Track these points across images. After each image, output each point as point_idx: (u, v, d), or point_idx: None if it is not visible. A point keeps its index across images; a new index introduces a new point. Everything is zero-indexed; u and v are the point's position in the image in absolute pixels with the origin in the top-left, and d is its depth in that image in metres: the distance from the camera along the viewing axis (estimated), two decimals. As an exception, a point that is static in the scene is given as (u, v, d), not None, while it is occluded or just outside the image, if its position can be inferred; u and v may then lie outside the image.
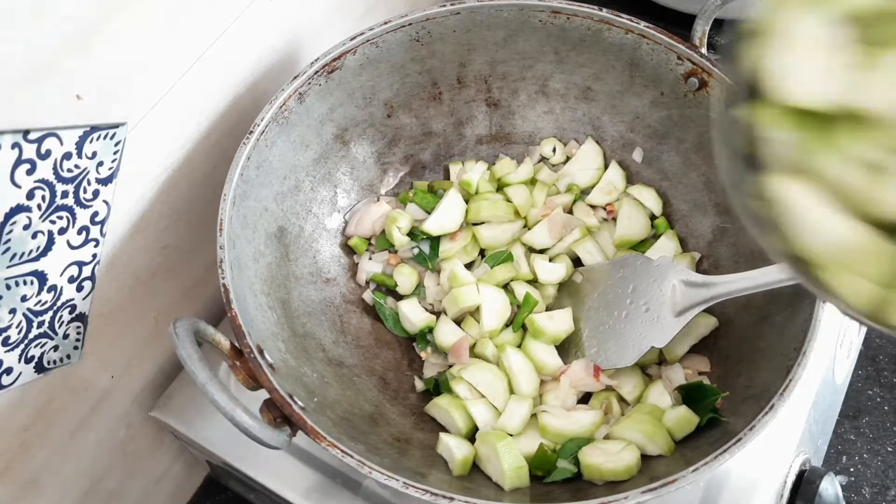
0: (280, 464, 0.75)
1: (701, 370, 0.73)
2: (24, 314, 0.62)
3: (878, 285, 0.36)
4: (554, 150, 0.87)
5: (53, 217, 0.61)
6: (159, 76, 0.67)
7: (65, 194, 0.61)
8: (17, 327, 0.62)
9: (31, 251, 0.60)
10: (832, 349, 0.83)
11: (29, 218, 0.59)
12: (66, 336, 0.68)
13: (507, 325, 0.77)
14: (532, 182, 0.85)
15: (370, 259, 0.83)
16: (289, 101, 0.74)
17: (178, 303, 0.82)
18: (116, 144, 0.65)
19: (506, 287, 0.79)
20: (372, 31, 0.77)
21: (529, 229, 0.82)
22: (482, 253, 0.82)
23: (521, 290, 0.78)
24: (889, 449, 1.19)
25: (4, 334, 0.61)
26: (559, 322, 0.75)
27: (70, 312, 0.67)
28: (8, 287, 0.60)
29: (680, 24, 0.98)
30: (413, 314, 0.78)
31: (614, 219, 0.82)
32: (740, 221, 0.41)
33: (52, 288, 0.64)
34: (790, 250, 0.38)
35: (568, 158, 0.87)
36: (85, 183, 0.63)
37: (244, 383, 0.61)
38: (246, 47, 0.76)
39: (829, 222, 0.36)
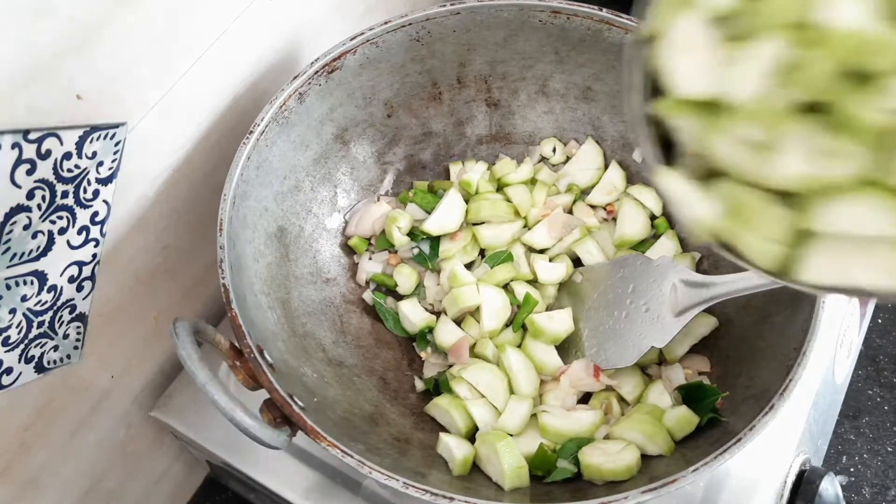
0: (280, 464, 0.75)
1: (701, 370, 0.73)
2: (24, 314, 0.62)
3: (779, 245, 0.41)
4: (554, 150, 0.87)
5: (53, 217, 0.61)
6: (159, 76, 0.67)
7: (65, 194, 0.61)
8: (17, 327, 0.62)
9: (31, 251, 0.60)
10: (832, 349, 0.83)
11: (29, 218, 0.59)
12: (66, 336, 0.68)
13: (507, 325, 0.77)
14: (532, 182, 0.85)
15: (370, 259, 0.83)
16: (289, 101, 0.74)
17: (178, 303, 0.82)
18: (116, 144, 0.65)
19: (506, 287, 0.79)
20: (372, 31, 0.77)
21: (529, 229, 0.82)
22: (482, 253, 0.82)
23: (521, 290, 0.78)
24: (889, 449, 1.19)
25: (4, 334, 0.61)
26: (559, 322, 0.75)
27: (70, 312, 0.67)
28: (8, 287, 0.60)
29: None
30: (413, 314, 0.78)
31: (614, 219, 0.82)
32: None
33: (52, 288, 0.64)
34: (709, 218, 0.44)
35: (568, 158, 0.87)
36: (85, 183, 0.63)
37: (244, 383, 0.61)
38: (246, 47, 0.76)
39: (726, 190, 0.43)
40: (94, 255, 0.67)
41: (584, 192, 0.84)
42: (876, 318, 1.31)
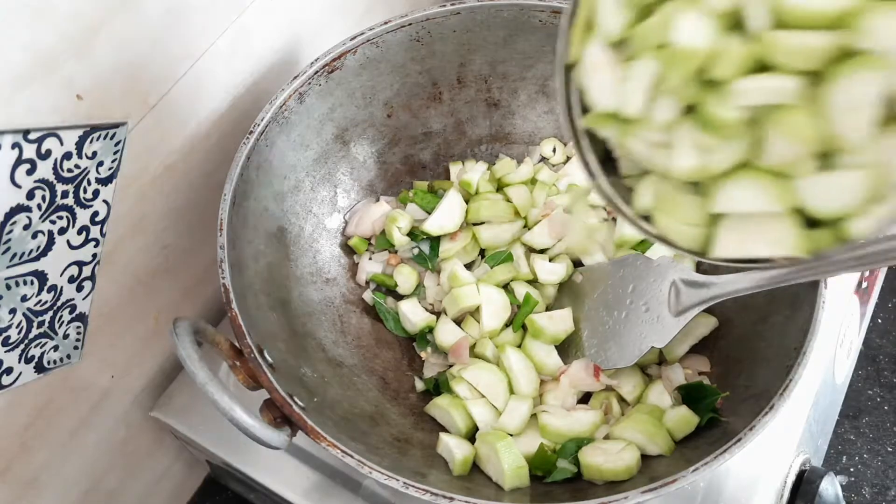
0: (280, 464, 0.75)
1: (701, 370, 0.73)
2: (24, 314, 0.62)
3: (696, 226, 0.48)
4: (554, 150, 0.87)
5: (53, 217, 0.61)
6: (159, 76, 0.67)
7: (65, 194, 0.61)
8: (17, 327, 0.62)
9: (31, 251, 0.60)
10: (832, 349, 0.83)
11: (29, 218, 0.59)
12: (66, 336, 0.68)
13: (507, 325, 0.77)
14: (532, 182, 0.85)
15: (370, 259, 0.83)
16: (289, 101, 0.74)
17: (178, 303, 0.82)
18: (116, 144, 0.65)
19: (506, 287, 0.79)
20: (372, 31, 0.77)
21: (529, 229, 0.82)
22: (482, 253, 0.82)
23: (521, 290, 0.78)
24: (889, 449, 1.19)
25: (4, 334, 0.61)
26: (559, 322, 0.75)
27: (70, 312, 0.67)
28: (8, 287, 0.60)
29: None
30: (413, 314, 0.78)
31: (614, 219, 0.82)
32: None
33: (52, 288, 0.64)
34: (638, 212, 0.52)
35: (568, 158, 0.87)
36: (85, 183, 0.63)
37: (244, 383, 0.61)
38: (246, 47, 0.76)
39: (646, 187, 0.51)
40: (94, 255, 0.67)
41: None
42: (876, 318, 1.31)
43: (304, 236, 0.79)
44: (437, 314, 0.79)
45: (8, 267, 0.59)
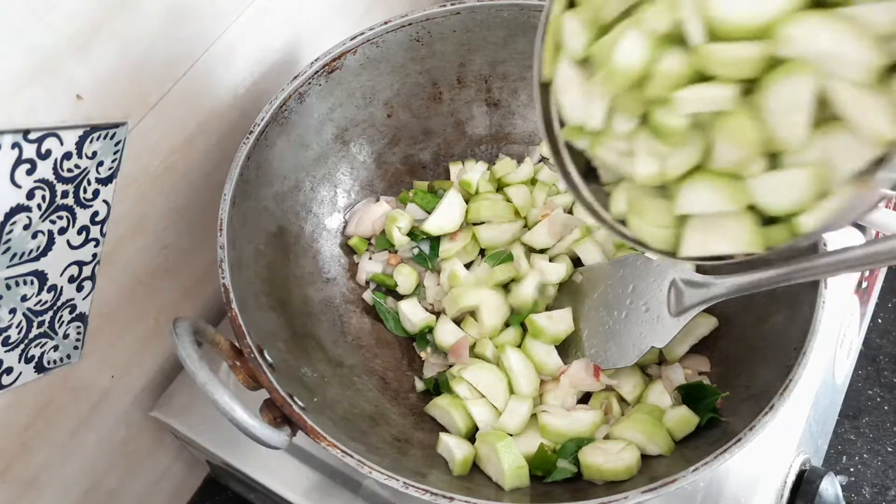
0: (280, 464, 0.75)
1: (701, 370, 0.73)
2: (24, 314, 0.62)
3: (665, 228, 0.51)
4: (554, 150, 0.87)
5: (53, 217, 0.61)
6: (159, 76, 0.67)
7: (65, 194, 0.61)
8: (17, 327, 0.62)
9: (31, 251, 0.60)
10: (832, 349, 0.83)
11: (29, 218, 0.59)
12: (66, 336, 0.68)
13: (507, 326, 0.77)
14: (532, 182, 0.85)
15: (370, 259, 0.83)
16: (289, 101, 0.74)
17: (178, 303, 0.82)
18: (116, 144, 0.65)
19: (506, 287, 0.79)
20: (372, 31, 0.77)
21: (529, 229, 0.82)
22: (482, 253, 0.82)
23: (526, 289, 0.78)
24: (889, 449, 1.19)
25: (4, 334, 0.61)
26: (559, 322, 0.75)
27: (70, 312, 0.67)
28: (8, 287, 0.60)
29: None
30: (413, 314, 0.78)
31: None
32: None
33: (52, 288, 0.64)
34: (615, 216, 0.55)
35: (568, 158, 0.87)
36: (85, 183, 0.63)
37: (244, 383, 0.61)
38: (246, 47, 0.76)
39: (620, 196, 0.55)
40: (94, 255, 0.67)
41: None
42: (876, 318, 1.31)
43: (304, 236, 0.79)
44: (437, 314, 0.79)
45: (8, 267, 0.59)
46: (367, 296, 0.81)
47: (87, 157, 0.62)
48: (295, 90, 0.74)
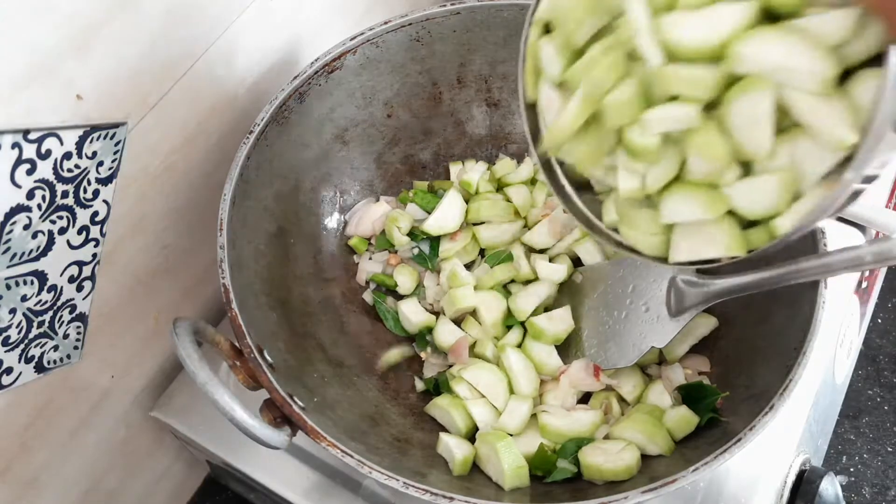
0: (280, 464, 0.75)
1: (701, 370, 0.73)
2: (24, 314, 0.62)
3: (655, 235, 0.53)
4: (554, 150, 0.87)
5: (53, 217, 0.61)
6: (159, 76, 0.67)
7: (65, 194, 0.61)
8: (17, 327, 0.62)
9: (31, 251, 0.60)
10: (832, 349, 0.83)
11: (29, 218, 0.59)
12: (66, 336, 0.68)
13: (508, 327, 0.76)
14: (532, 182, 0.85)
15: (370, 259, 0.83)
16: (289, 101, 0.74)
17: (178, 303, 0.82)
18: (116, 144, 0.65)
19: (506, 287, 0.79)
20: (372, 31, 0.77)
21: (529, 229, 0.82)
22: (482, 253, 0.82)
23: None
24: (889, 449, 1.19)
25: (4, 334, 0.61)
26: (559, 322, 0.75)
27: (70, 312, 0.67)
28: (8, 287, 0.60)
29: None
30: (413, 314, 0.78)
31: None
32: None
33: (52, 288, 0.64)
34: (609, 225, 0.58)
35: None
36: (85, 183, 0.63)
37: (244, 383, 0.61)
38: (246, 47, 0.76)
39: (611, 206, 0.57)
40: (94, 255, 0.67)
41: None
42: (876, 318, 1.31)
43: (304, 236, 0.79)
44: (437, 314, 0.79)
45: (8, 267, 0.59)
46: (367, 296, 0.81)
47: (87, 157, 0.62)
48: (295, 90, 0.74)
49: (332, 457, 0.58)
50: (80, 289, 0.67)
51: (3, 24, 0.52)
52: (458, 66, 0.83)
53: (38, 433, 0.69)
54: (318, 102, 0.77)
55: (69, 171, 0.61)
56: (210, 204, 0.76)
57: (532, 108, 0.58)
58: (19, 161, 0.56)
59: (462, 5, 0.78)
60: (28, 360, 0.64)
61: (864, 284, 0.95)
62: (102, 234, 0.67)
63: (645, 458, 0.65)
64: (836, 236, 0.85)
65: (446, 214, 0.81)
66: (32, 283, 0.62)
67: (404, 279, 0.81)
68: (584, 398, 0.74)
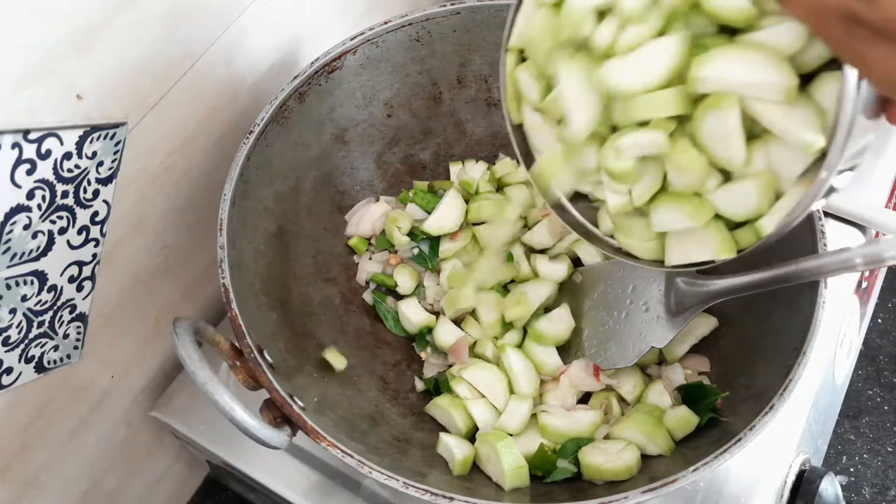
0: (280, 464, 0.75)
1: (701, 370, 0.73)
2: (24, 314, 0.62)
3: (650, 241, 0.55)
4: (554, 150, 0.87)
5: (53, 217, 0.61)
6: (159, 76, 0.67)
7: (65, 194, 0.61)
8: (17, 327, 0.62)
9: (31, 251, 0.60)
10: (832, 349, 0.83)
11: (29, 218, 0.59)
12: (66, 336, 0.68)
13: (509, 327, 0.76)
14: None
15: (370, 259, 0.83)
16: (289, 101, 0.74)
17: (178, 303, 0.82)
18: (116, 144, 0.65)
19: (505, 287, 0.79)
20: (372, 31, 0.77)
21: (529, 229, 0.82)
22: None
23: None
24: (889, 449, 1.19)
25: (4, 334, 0.61)
26: (559, 323, 0.75)
27: (70, 312, 0.67)
28: (8, 287, 0.60)
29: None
30: (412, 314, 0.78)
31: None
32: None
33: (53, 288, 0.64)
34: (606, 232, 0.60)
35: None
36: (85, 183, 0.63)
37: (244, 383, 0.61)
38: (246, 47, 0.76)
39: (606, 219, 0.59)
40: (94, 255, 0.67)
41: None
42: (876, 318, 1.31)
43: (304, 236, 0.79)
44: (437, 314, 0.79)
45: (8, 267, 0.59)
46: (367, 296, 0.81)
47: (87, 157, 0.62)
48: (295, 90, 0.74)
49: (332, 457, 0.58)
50: (80, 289, 0.67)
51: (3, 24, 0.52)
52: (458, 66, 0.83)
53: (38, 433, 0.69)
54: (318, 102, 0.77)
55: (69, 171, 0.61)
56: (210, 204, 0.76)
57: (519, 128, 0.60)
58: (19, 161, 0.56)
59: (462, 5, 0.78)
60: (28, 360, 0.64)
61: (864, 284, 0.95)
62: (102, 234, 0.67)
63: (645, 458, 0.65)
64: (837, 236, 0.85)
65: (446, 214, 0.81)
66: (32, 283, 0.62)
67: (404, 279, 0.81)
68: (584, 398, 0.74)
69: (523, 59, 0.57)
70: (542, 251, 0.81)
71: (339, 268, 0.82)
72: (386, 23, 0.77)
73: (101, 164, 0.64)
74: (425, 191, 0.85)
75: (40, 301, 0.63)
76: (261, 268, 0.71)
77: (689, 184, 0.50)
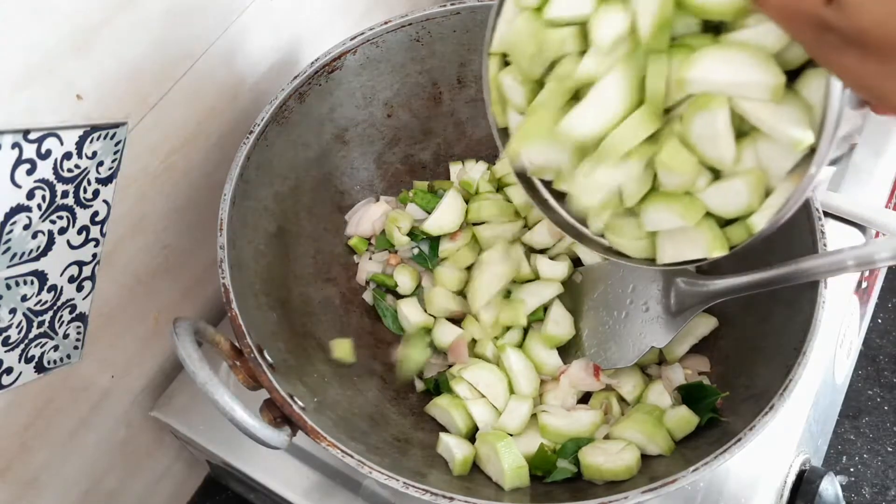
0: (280, 464, 0.75)
1: (701, 370, 0.73)
2: (24, 314, 0.62)
3: (641, 240, 0.55)
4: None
5: (53, 217, 0.61)
6: (159, 76, 0.67)
7: (65, 194, 0.61)
8: (17, 327, 0.62)
9: (31, 251, 0.60)
10: (832, 349, 0.83)
11: (29, 218, 0.59)
12: (66, 336, 0.68)
13: (508, 328, 0.76)
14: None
15: (370, 259, 0.83)
16: (289, 101, 0.74)
17: (178, 303, 0.82)
18: (116, 144, 0.65)
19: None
20: (372, 31, 0.77)
21: (529, 229, 0.82)
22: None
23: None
24: (889, 449, 1.19)
25: (4, 334, 0.61)
26: (559, 325, 0.75)
27: (70, 312, 0.67)
28: (8, 287, 0.60)
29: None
30: (412, 314, 0.78)
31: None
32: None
33: (53, 288, 0.64)
34: (596, 232, 0.60)
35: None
36: (85, 183, 0.63)
37: (244, 383, 0.61)
38: (246, 47, 0.76)
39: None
40: (94, 255, 0.67)
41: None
42: (876, 318, 1.31)
43: (304, 236, 0.79)
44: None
45: (8, 267, 0.59)
46: (367, 296, 0.81)
47: (87, 157, 0.62)
48: (295, 90, 0.74)
49: (332, 457, 0.58)
50: (80, 289, 0.67)
51: (3, 24, 0.52)
52: (458, 66, 0.83)
53: (38, 433, 0.69)
54: (318, 102, 0.77)
55: (69, 171, 0.61)
56: (210, 204, 0.76)
57: (505, 132, 0.60)
58: (19, 161, 0.56)
59: (462, 5, 0.78)
60: (28, 360, 0.64)
61: (864, 284, 0.95)
62: (102, 234, 0.67)
63: (645, 458, 0.65)
64: (837, 236, 0.85)
65: (446, 214, 0.81)
66: (32, 283, 0.62)
67: (404, 279, 0.81)
68: (584, 398, 0.74)
69: (506, 63, 0.57)
70: (542, 251, 0.81)
71: (339, 268, 0.82)
72: (386, 23, 0.77)
73: (101, 164, 0.64)
74: (425, 191, 0.85)
75: (40, 301, 0.63)
76: (261, 268, 0.71)
77: (679, 184, 0.50)
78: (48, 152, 0.58)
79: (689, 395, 0.69)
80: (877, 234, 0.88)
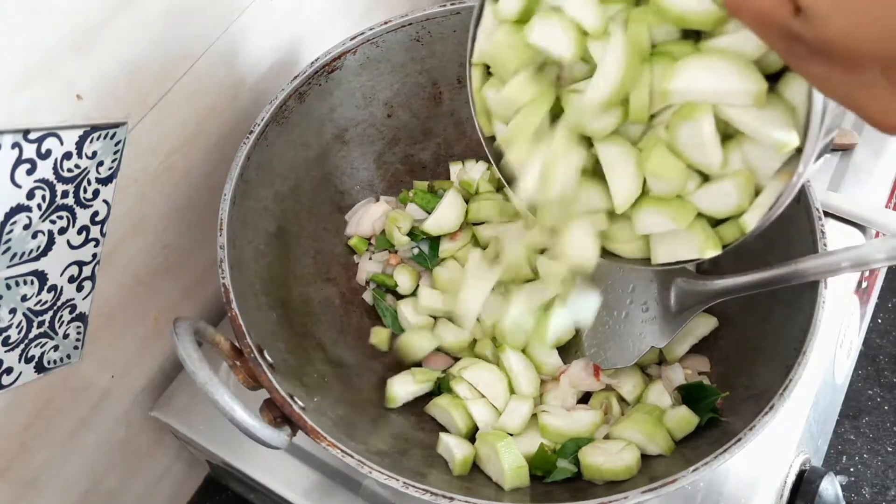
0: (280, 464, 0.75)
1: (701, 370, 0.73)
2: (24, 314, 0.62)
3: (635, 241, 0.56)
4: (554, 150, 0.87)
5: (53, 217, 0.61)
6: (159, 76, 0.67)
7: (65, 194, 0.61)
8: (17, 327, 0.62)
9: (31, 251, 0.60)
10: (832, 349, 0.83)
11: (29, 218, 0.59)
12: (66, 336, 0.68)
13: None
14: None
15: (370, 259, 0.83)
16: (289, 101, 0.74)
17: (178, 303, 0.82)
18: (116, 144, 0.65)
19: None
20: (372, 31, 0.77)
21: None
22: (482, 253, 0.82)
23: None
24: (889, 449, 1.19)
25: (4, 334, 0.61)
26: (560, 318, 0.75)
27: (70, 312, 0.67)
28: (8, 287, 0.60)
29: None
30: (411, 314, 0.78)
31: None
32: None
33: (53, 288, 0.64)
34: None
35: (568, 158, 0.87)
36: (85, 183, 0.63)
37: (244, 383, 0.61)
38: (246, 47, 0.76)
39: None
40: (94, 255, 0.67)
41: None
42: (876, 318, 1.31)
43: (304, 236, 0.79)
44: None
45: (8, 267, 0.59)
46: (367, 296, 0.81)
47: (87, 157, 0.62)
48: (295, 90, 0.74)
49: (332, 457, 0.58)
50: (80, 289, 0.67)
51: (3, 24, 0.52)
52: (458, 66, 0.83)
53: (38, 433, 0.69)
54: (318, 102, 0.77)
55: (69, 170, 0.61)
56: (210, 204, 0.76)
57: (492, 139, 0.60)
58: (19, 161, 0.56)
59: (462, 5, 0.78)
60: (28, 360, 0.64)
61: (864, 284, 0.95)
62: (102, 234, 0.67)
63: (645, 458, 0.65)
64: (837, 236, 0.85)
65: (446, 214, 0.81)
66: (32, 283, 0.62)
67: (404, 279, 0.81)
68: (584, 398, 0.74)
69: (489, 72, 0.57)
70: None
71: (339, 268, 0.82)
72: (386, 23, 0.77)
73: (101, 163, 0.64)
74: (425, 191, 0.85)
75: (40, 301, 0.63)
76: (261, 268, 0.71)
77: (669, 189, 0.50)
78: (48, 152, 0.58)
79: (689, 395, 0.69)
80: (877, 234, 0.88)
